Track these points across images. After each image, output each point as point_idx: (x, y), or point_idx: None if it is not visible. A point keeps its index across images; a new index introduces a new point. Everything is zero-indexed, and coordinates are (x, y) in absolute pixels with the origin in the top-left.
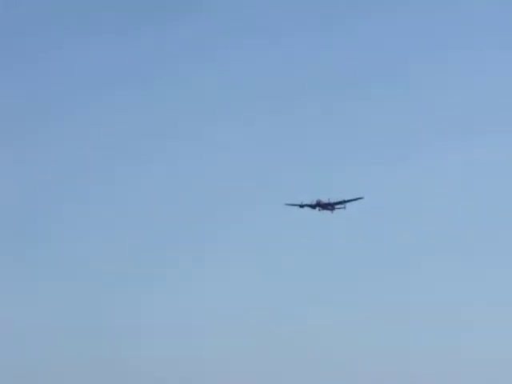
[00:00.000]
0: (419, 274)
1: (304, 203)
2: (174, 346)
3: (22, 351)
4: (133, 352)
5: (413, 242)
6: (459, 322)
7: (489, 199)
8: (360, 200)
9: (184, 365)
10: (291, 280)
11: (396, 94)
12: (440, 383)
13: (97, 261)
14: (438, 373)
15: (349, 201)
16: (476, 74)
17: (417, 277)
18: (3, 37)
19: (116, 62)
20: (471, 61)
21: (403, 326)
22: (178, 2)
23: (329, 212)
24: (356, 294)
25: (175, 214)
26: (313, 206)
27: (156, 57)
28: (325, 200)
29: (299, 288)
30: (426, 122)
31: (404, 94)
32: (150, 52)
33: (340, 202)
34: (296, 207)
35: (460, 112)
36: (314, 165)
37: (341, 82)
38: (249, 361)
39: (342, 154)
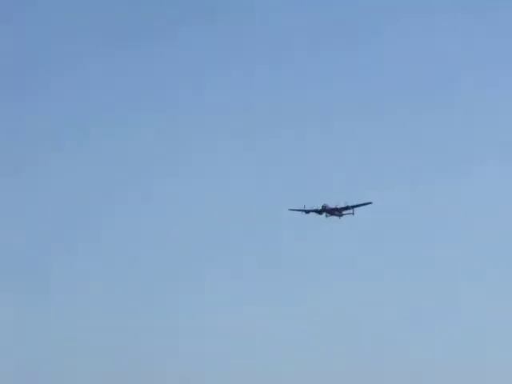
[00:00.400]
0: (436, 283)
1: (309, 208)
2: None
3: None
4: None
5: (426, 250)
6: (475, 327)
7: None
8: (369, 205)
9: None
10: (296, 290)
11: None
12: None
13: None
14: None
15: (357, 206)
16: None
17: (433, 286)
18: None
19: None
20: None
21: (414, 330)
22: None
23: (336, 218)
24: (369, 303)
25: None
26: (319, 212)
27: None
28: (331, 205)
29: (305, 297)
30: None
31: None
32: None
33: (347, 207)
34: (301, 212)
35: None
36: (318, 168)
37: (343, 87)
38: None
39: (347, 157)
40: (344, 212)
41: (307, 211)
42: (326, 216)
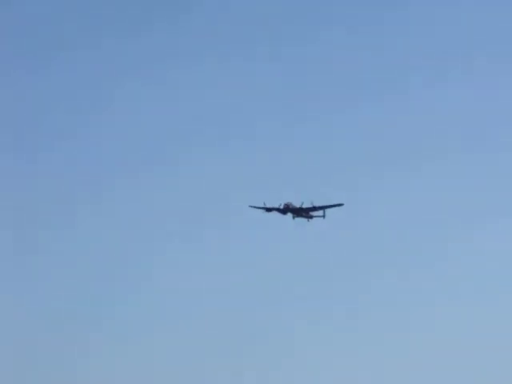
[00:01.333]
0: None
1: (270, 206)
2: None
3: None
4: None
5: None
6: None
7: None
8: (340, 207)
9: None
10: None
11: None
12: None
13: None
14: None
15: (326, 207)
16: None
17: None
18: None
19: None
20: None
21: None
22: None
23: (304, 220)
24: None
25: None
26: (282, 211)
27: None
28: (296, 204)
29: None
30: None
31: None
32: None
33: (314, 208)
34: (261, 211)
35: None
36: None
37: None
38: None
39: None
40: (313, 214)
41: (269, 209)
42: (293, 218)
